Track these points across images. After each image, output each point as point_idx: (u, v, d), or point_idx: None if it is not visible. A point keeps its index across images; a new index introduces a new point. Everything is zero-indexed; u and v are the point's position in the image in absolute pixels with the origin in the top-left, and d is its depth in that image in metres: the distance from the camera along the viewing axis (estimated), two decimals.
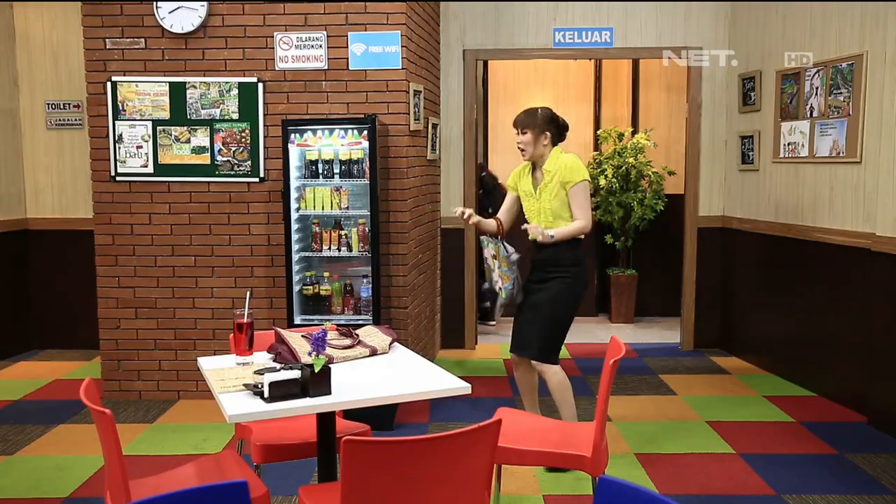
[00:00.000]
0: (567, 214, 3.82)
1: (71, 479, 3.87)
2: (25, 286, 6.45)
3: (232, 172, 4.95)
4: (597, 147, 7.72)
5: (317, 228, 4.76)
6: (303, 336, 3.01)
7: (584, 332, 7.13)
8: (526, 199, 3.95)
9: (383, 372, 2.83)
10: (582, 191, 3.80)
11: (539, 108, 3.92)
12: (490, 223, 4.00)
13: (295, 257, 4.68)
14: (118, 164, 4.98)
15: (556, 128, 3.90)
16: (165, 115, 4.94)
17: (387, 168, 4.83)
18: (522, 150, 3.90)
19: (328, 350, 2.87)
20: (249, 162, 4.94)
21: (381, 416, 4.32)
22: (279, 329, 3.03)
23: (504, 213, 4.05)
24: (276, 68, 4.88)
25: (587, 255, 7.65)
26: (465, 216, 3.84)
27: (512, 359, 4.04)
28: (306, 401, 2.43)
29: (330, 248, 4.72)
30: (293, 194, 4.69)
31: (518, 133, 3.90)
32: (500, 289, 3.94)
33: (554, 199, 3.81)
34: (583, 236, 3.87)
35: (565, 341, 4.02)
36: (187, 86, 4.92)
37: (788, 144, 5.37)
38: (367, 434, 3.00)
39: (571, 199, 3.79)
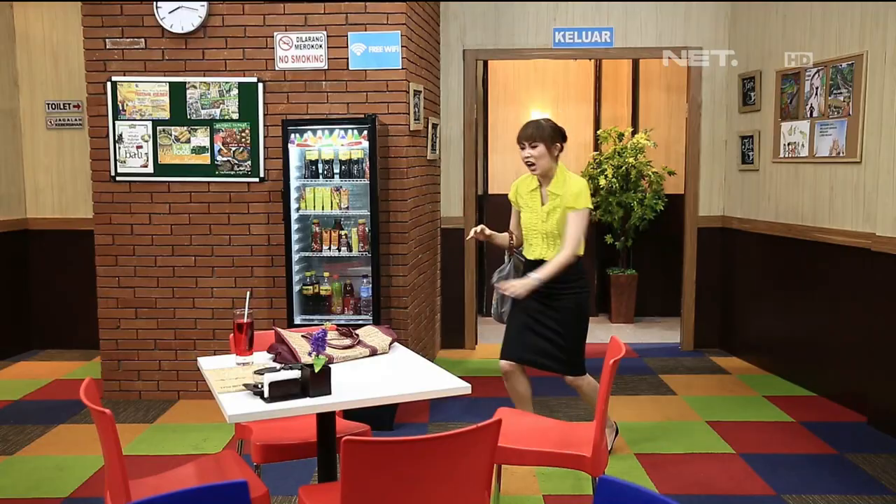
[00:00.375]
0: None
1: (71, 479, 3.87)
2: (25, 286, 6.45)
3: (232, 172, 4.96)
4: (597, 147, 7.72)
5: (317, 228, 4.76)
6: (303, 336, 3.01)
7: None
8: (529, 214, 3.82)
9: (383, 372, 2.83)
10: (580, 218, 3.68)
11: (543, 120, 3.81)
12: (503, 237, 3.93)
13: (295, 257, 4.68)
14: (118, 164, 4.98)
15: (562, 139, 3.79)
16: (165, 115, 4.94)
17: (387, 168, 4.83)
18: (532, 165, 3.74)
19: (328, 350, 2.87)
20: (249, 162, 4.94)
21: (381, 416, 4.32)
22: (279, 329, 3.03)
23: (515, 227, 3.97)
24: (276, 68, 4.88)
25: (586, 255, 7.72)
26: (479, 231, 3.76)
27: (505, 366, 3.83)
28: (306, 401, 2.43)
29: (330, 248, 4.72)
30: (293, 194, 4.69)
31: (527, 147, 3.73)
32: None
33: (559, 223, 3.72)
34: (582, 251, 3.77)
35: None
36: (187, 86, 4.92)
37: (788, 144, 5.37)
38: (367, 434, 3.00)
39: (567, 223, 3.68)
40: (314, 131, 4.68)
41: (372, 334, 3.15)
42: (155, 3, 4.88)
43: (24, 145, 6.38)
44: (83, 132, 6.09)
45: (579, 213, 3.68)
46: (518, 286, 3.61)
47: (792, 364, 5.46)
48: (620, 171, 7.24)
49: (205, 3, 4.86)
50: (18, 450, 4.27)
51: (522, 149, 3.76)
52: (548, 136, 3.71)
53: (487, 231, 3.81)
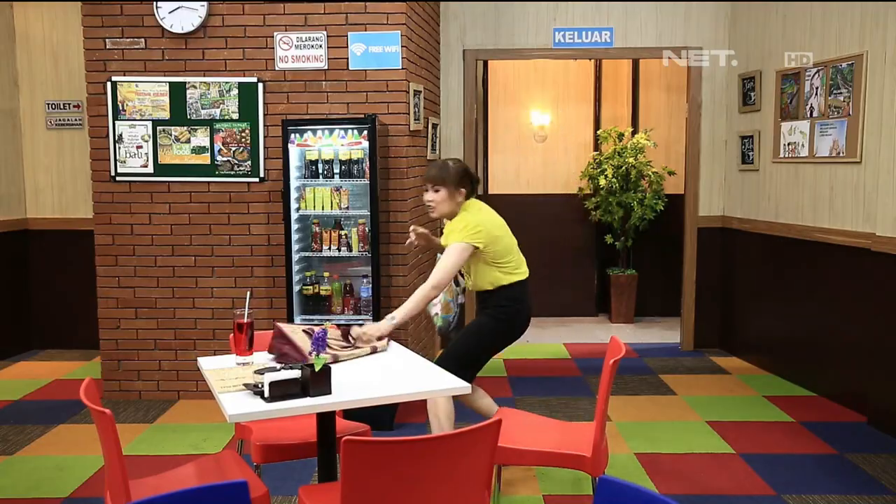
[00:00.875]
0: (482, 267, 3.51)
1: (71, 479, 3.87)
2: (25, 286, 6.45)
3: (232, 172, 4.96)
4: (597, 147, 7.72)
5: (317, 228, 4.76)
6: (304, 331, 3.00)
7: (584, 332, 7.13)
8: None
9: (383, 372, 2.83)
10: (449, 253, 3.38)
11: (451, 161, 3.59)
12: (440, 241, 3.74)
13: (295, 257, 4.68)
14: (118, 164, 4.98)
15: (470, 182, 3.55)
16: (165, 115, 4.94)
17: (387, 168, 4.83)
18: (431, 209, 3.54)
19: (334, 350, 2.88)
20: (249, 162, 4.94)
21: (381, 416, 4.32)
22: (281, 325, 3.02)
23: None
24: (276, 68, 4.88)
25: (587, 255, 7.75)
26: (412, 229, 3.61)
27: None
28: (306, 400, 2.43)
29: (330, 248, 4.72)
30: (293, 194, 4.69)
31: (430, 189, 3.51)
32: (435, 314, 3.76)
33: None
34: (524, 276, 3.59)
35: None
36: (187, 86, 4.92)
37: (788, 144, 5.37)
38: (367, 434, 3.00)
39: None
40: (314, 131, 4.68)
41: None
42: (155, 3, 4.88)
43: (24, 145, 6.38)
44: (83, 132, 6.08)
45: (451, 247, 3.40)
46: (372, 330, 3.14)
47: (792, 364, 5.46)
48: (620, 171, 7.24)
49: (205, 3, 4.86)
50: (18, 450, 4.27)
51: (426, 191, 3.56)
52: (452, 180, 3.48)
53: (420, 230, 3.67)
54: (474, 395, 3.69)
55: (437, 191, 3.50)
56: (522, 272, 3.61)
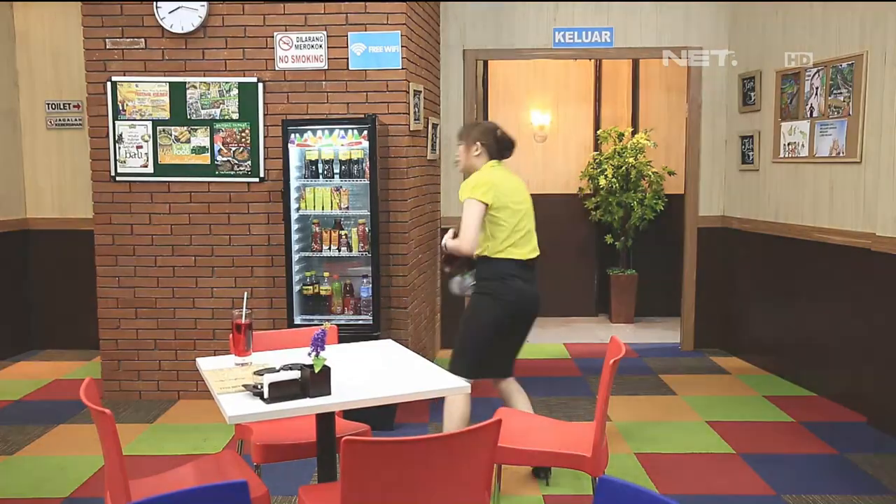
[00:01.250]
0: (488, 232, 3.58)
1: (71, 479, 3.87)
2: (25, 286, 6.45)
3: (232, 172, 4.95)
4: (597, 147, 7.72)
5: (317, 228, 4.76)
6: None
7: (584, 332, 7.13)
8: None
9: (383, 372, 2.83)
10: (466, 208, 3.53)
11: (481, 123, 3.82)
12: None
13: (295, 257, 4.68)
14: (118, 164, 4.98)
15: (493, 140, 3.70)
16: (165, 115, 4.94)
17: (387, 168, 4.83)
18: (457, 163, 3.85)
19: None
20: (249, 162, 4.94)
21: (381, 416, 4.32)
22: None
23: None
24: (276, 68, 4.88)
25: (586, 255, 7.75)
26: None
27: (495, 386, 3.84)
28: (306, 401, 2.43)
29: (330, 248, 4.72)
30: (293, 194, 4.69)
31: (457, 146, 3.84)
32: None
33: None
34: (521, 256, 3.59)
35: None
36: (187, 86, 4.92)
37: (788, 144, 5.37)
38: (367, 434, 3.00)
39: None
40: (314, 131, 4.68)
41: None
42: (155, 3, 4.88)
43: (24, 145, 6.38)
44: (83, 132, 6.08)
45: (466, 203, 3.54)
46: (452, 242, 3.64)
47: (792, 364, 5.46)
48: (620, 171, 7.24)
49: (205, 3, 4.86)
50: (18, 450, 4.27)
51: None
52: (470, 137, 3.73)
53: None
54: (505, 385, 3.78)
55: (459, 145, 3.80)
56: (521, 253, 3.60)
